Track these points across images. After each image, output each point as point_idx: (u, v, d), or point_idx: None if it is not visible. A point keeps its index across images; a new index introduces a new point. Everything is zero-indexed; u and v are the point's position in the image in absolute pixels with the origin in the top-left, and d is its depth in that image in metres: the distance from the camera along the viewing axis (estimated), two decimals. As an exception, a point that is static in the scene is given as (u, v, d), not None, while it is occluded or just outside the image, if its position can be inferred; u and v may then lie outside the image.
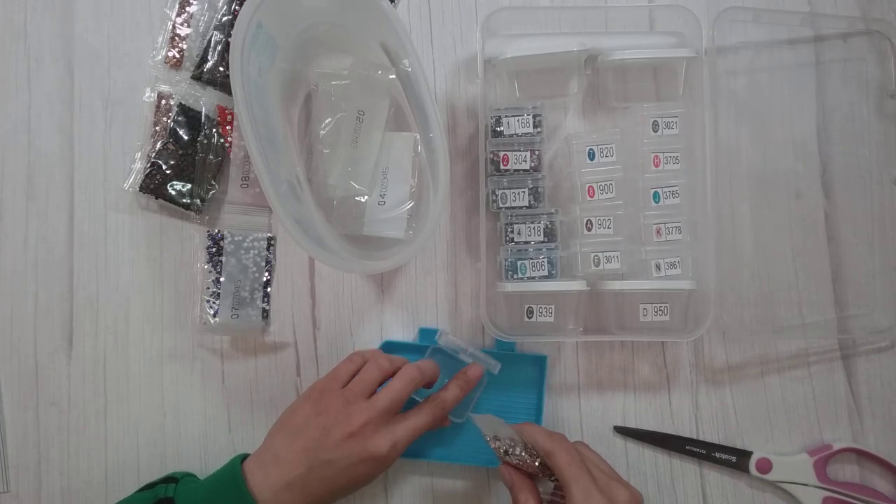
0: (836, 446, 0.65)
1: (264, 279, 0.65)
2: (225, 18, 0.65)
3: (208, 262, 0.64)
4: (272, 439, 0.57)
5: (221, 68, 0.65)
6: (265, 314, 0.65)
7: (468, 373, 0.61)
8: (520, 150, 0.63)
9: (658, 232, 0.63)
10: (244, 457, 0.57)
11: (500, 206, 0.63)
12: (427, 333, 0.65)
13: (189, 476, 0.61)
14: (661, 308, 0.63)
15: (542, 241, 0.63)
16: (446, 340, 0.62)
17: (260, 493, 0.54)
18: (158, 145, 0.64)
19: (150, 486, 0.58)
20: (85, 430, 0.65)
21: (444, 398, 0.59)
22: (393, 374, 0.58)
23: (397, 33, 0.58)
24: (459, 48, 0.68)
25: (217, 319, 0.64)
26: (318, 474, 0.54)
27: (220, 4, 0.66)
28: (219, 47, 0.65)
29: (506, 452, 0.56)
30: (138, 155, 0.65)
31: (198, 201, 0.64)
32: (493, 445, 0.56)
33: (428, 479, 0.65)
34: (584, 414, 0.66)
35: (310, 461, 0.54)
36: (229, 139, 0.65)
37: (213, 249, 0.65)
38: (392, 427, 0.56)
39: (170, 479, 0.58)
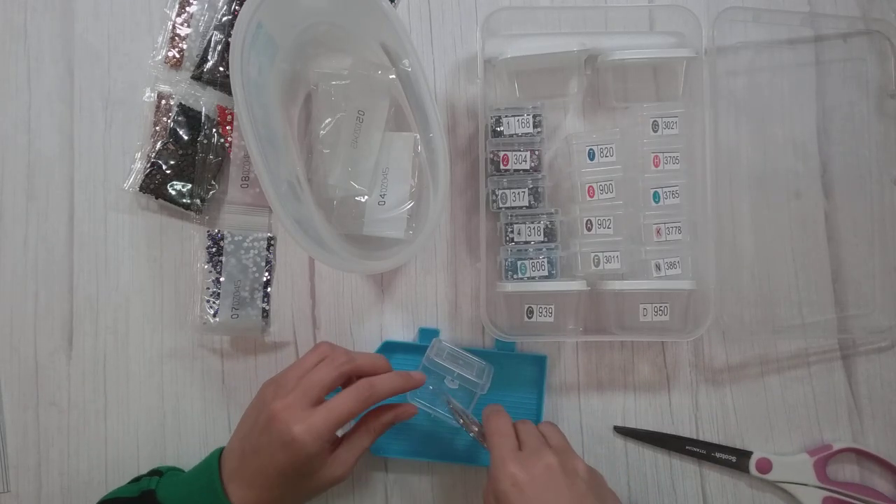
0: (836, 446, 0.65)
1: (264, 279, 0.65)
2: (225, 18, 0.65)
3: (208, 262, 0.64)
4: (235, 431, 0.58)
5: (221, 68, 0.65)
6: (265, 314, 0.65)
7: (413, 375, 0.58)
8: (520, 150, 0.63)
9: (658, 232, 0.63)
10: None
11: (500, 206, 0.63)
12: (427, 333, 0.65)
13: (174, 470, 0.61)
14: (661, 308, 0.63)
15: (542, 241, 0.63)
16: (436, 358, 0.60)
17: (226, 484, 0.54)
18: (158, 145, 0.64)
19: (137, 480, 0.59)
20: (85, 430, 0.65)
21: (374, 383, 0.55)
22: (351, 374, 0.57)
23: (397, 33, 0.58)
24: (459, 48, 0.68)
25: (217, 319, 0.64)
26: (250, 464, 0.54)
27: (220, 4, 0.66)
28: (219, 47, 0.65)
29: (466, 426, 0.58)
30: (138, 155, 0.65)
31: (198, 201, 0.64)
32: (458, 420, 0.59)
33: (428, 479, 0.65)
34: (584, 414, 0.66)
35: (243, 450, 0.55)
36: (229, 139, 0.65)
37: (213, 249, 0.65)
38: (310, 410, 0.53)
39: (155, 473, 0.60)
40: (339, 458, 0.55)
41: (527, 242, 0.63)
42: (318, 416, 0.52)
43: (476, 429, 0.58)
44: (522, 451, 0.54)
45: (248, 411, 0.57)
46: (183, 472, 0.61)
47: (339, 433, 0.56)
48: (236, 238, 0.65)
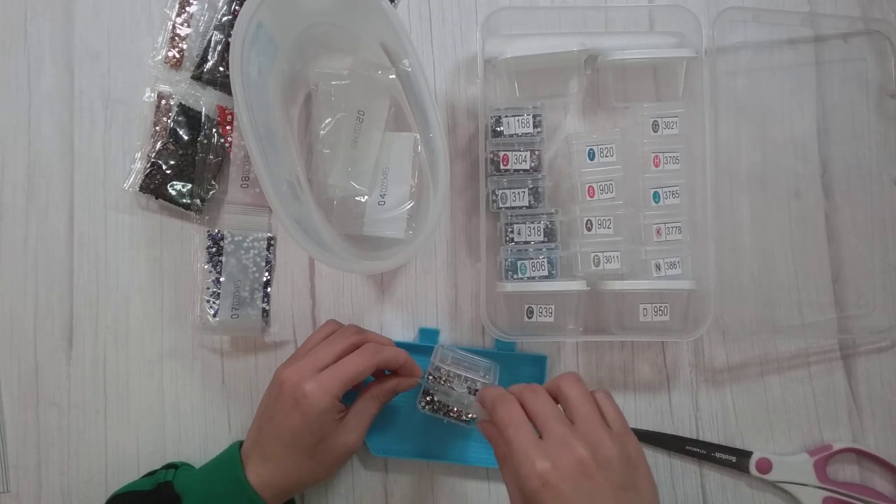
0: (836, 446, 0.65)
1: (264, 279, 0.65)
2: (225, 18, 0.65)
3: (208, 262, 0.64)
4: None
5: (221, 68, 0.65)
6: (265, 314, 0.65)
7: (415, 372, 0.60)
8: (520, 150, 0.63)
9: (658, 232, 0.63)
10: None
11: (500, 206, 0.63)
12: (427, 333, 0.66)
13: (188, 464, 0.62)
14: (661, 308, 0.63)
15: (542, 241, 0.63)
16: (441, 364, 0.60)
17: (245, 464, 0.56)
18: (158, 145, 0.64)
19: (152, 474, 0.60)
20: (85, 430, 0.65)
21: (380, 347, 0.58)
22: (360, 345, 0.58)
23: (397, 33, 0.58)
24: (459, 48, 0.68)
25: (217, 319, 0.64)
26: (266, 434, 0.56)
27: (220, 4, 0.66)
28: (219, 47, 0.65)
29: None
30: (138, 155, 0.65)
31: (198, 201, 0.64)
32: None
33: (428, 479, 0.65)
34: (584, 414, 0.66)
35: (259, 425, 0.57)
36: (229, 139, 0.65)
37: (213, 249, 0.65)
38: (319, 373, 0.55)
39: (170, 466, 0.60)
40: (348, 424, 0.57)
41: (527, 242, 0.63)
42: (327, 374, 0.55)
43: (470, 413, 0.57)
44: (546, 441, 0.47)
45: (263, 396, 0.59)
46: (196, 467, 0.61)
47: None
48: (236, 238, 0.65)
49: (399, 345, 0.65)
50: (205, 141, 0.65)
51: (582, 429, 0.49)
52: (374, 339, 0.60)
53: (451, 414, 0.61)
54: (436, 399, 0.61)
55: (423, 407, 0.61)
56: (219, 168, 0.65)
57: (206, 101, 0.65)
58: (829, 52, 0.69)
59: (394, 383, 0.59)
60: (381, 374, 0.61)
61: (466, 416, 0.61)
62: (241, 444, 0.58)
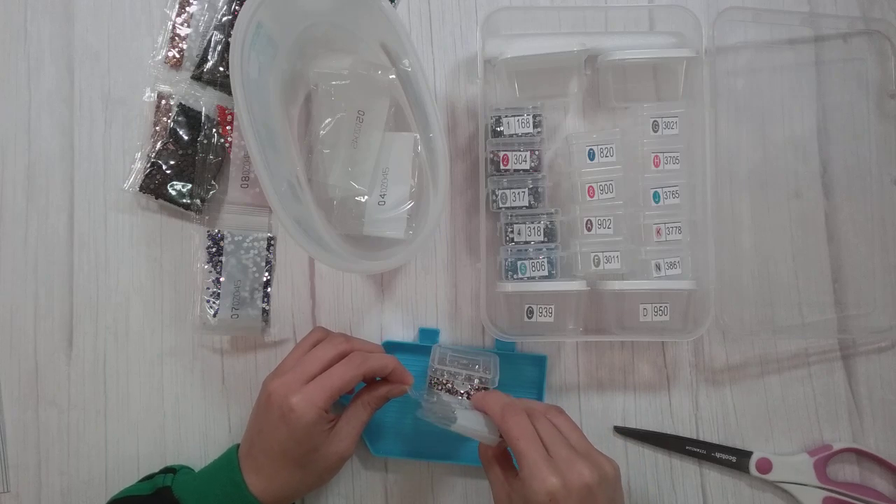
0: (836, 446, 0.65)
1: (264, 279, 0.65)
2: (225, 18, 0.65)
3: (208, 262, 0.64)
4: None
5: (221, 68, 0.65)
6: (265, 314, 0.65)
7: (404, 378, 0.59)
8: (520, 150, 0.63)
9: (658, 232, 0.63)
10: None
11: (500, 206, 0.63)
12: (427, 333, 0.66)
13: (187, 468, 0.62)
14: (661, 308, 0.63)
15: (542, 241, 0.63)
16: (440, 366, 0.60)
17: (246, 478, 0.55)
18: (158, 145, 0.64)
19: (150, 477, 0.60)
20: (85, 430, 0.65)
21: (366, 355, 0.57)
22: (347, 353, 0.58)
23: (397, 33, 0.58)
24: (459, 48, 0.68)
25: (217, 319, 0.64)
26: (257, 447, 0.56)
27: (220, 4, 0.66)
28: (219, 47, 0.65)
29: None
30: (138, 155, 0.65)
31: (198, 201, 0.64)
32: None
33: (428, 478, 0.65)
34: (584, 414, 0.66)
35: (251, 438, 0.56)
36: (229, 139, 0.65)
37: (213, 249, 0.65)
38: (306, 386, 0.55)
39: (168, 470, 0.60)
40: (339, 432, 0.57)
41: (527, 242, 0.63)
42: (313, 386, 0.54)
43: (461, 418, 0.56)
44: (554, 460, 0.50)
45: (253, 406, 0.58)
46: (194, 471, 0.61)
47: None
48: (236, 238, 0.65)
49: (399, 345, 0.65)
50: (205, 141, 0.65)
51: (581, 451, 0.52)
52: (362, 348, 0.59)
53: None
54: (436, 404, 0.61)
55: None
56: (219, 168, 0.65)
57: (206, 101, 0.65)
58: (829, 52, 0.69)
59: (384, 390, 0.59)
60: (371, 380, 0.60)
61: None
62: (238, 446, 0.58)
